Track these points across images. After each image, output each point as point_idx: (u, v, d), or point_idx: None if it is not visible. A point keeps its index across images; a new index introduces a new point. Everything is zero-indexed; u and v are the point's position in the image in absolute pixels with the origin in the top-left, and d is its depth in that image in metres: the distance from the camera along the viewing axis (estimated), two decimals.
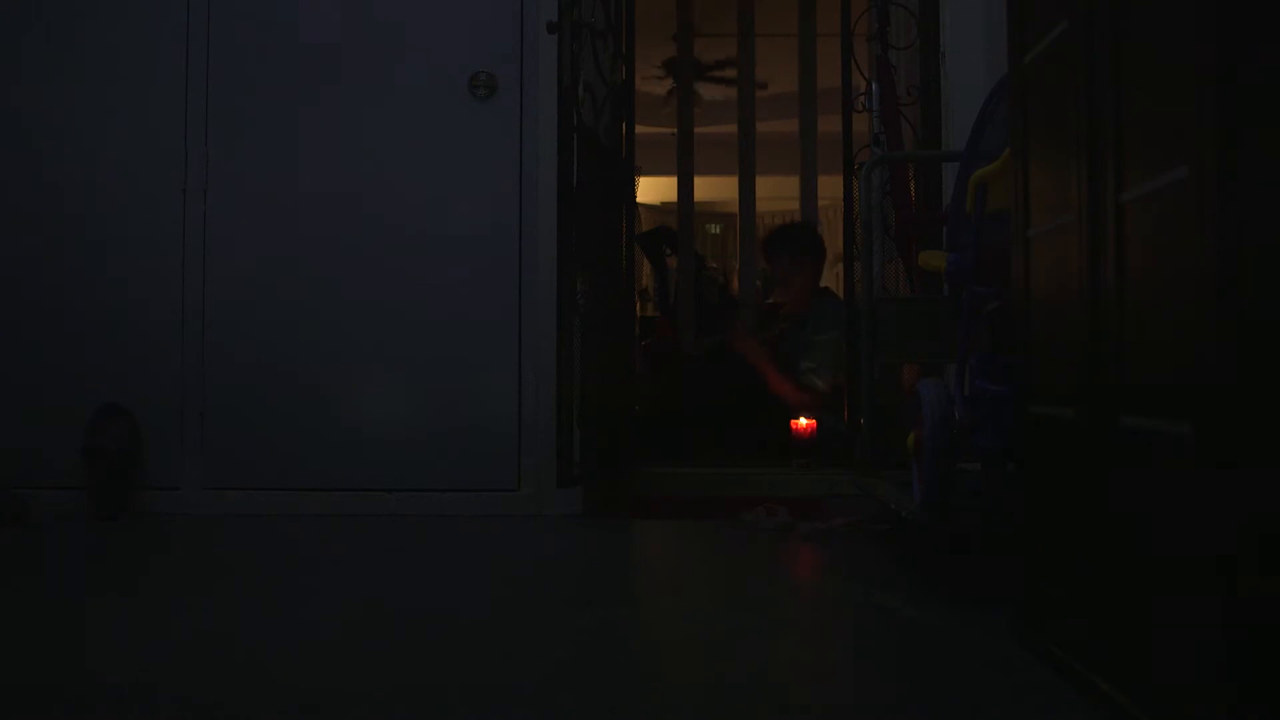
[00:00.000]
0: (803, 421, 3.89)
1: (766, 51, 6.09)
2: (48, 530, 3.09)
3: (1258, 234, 1.11)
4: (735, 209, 5.88)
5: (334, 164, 3.43)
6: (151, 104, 3.45)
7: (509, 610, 2.14)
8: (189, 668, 1.72)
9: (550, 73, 3.36)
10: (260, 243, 3.42)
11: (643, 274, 6.97)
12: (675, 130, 5.75)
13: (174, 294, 3.41)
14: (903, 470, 2.69)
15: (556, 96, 3.34)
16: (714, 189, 8.22)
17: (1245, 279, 1.11)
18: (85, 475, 3.28)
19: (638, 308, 4.89)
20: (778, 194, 7.71)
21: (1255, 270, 1.11)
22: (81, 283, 3.42)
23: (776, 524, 3.03)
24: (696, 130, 5.77)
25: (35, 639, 1.91)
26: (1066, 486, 1.60)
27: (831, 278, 6.78)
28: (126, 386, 3.38)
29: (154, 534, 3.07)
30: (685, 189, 5.60)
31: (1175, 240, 1.22)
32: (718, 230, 10.32)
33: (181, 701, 1.55)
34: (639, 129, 4.38)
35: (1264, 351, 1.10)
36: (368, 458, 3.37)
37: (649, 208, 9.20)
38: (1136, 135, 1.33)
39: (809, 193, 5.53)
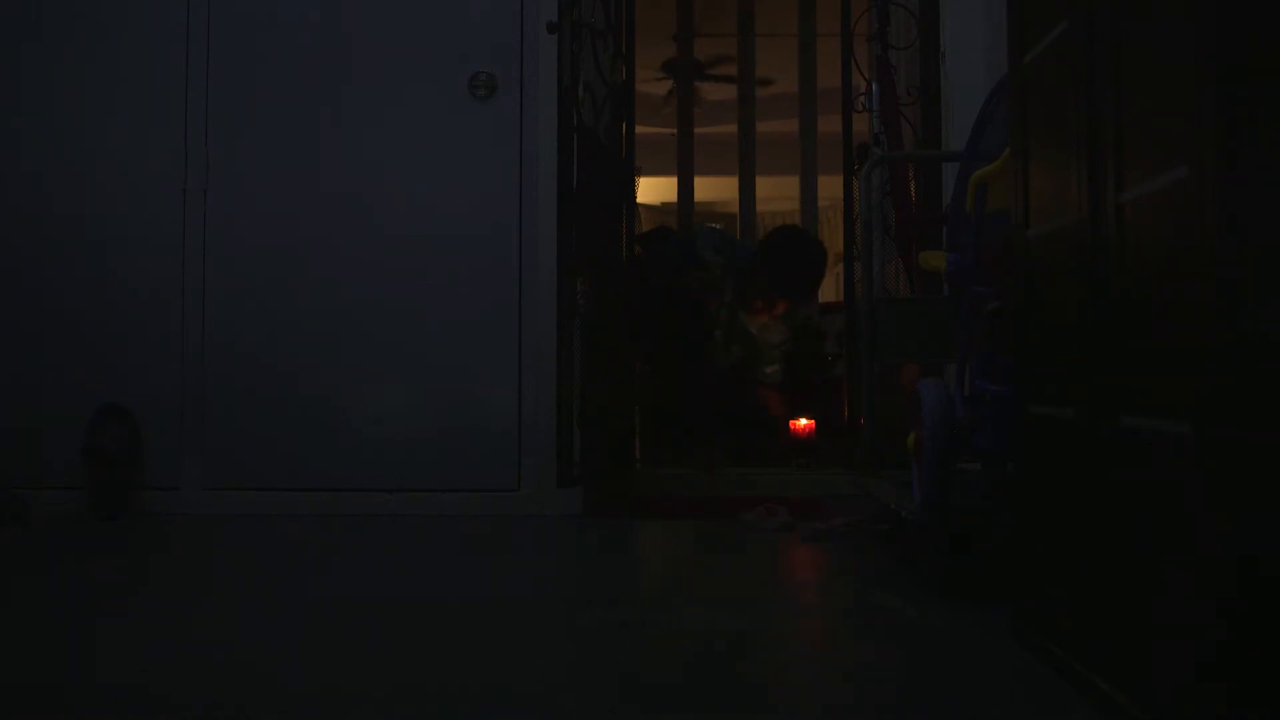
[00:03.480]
0: (802, 422, 3.87)
1: (766, 51, 6.09)
2: (48, 530, 3.09)
3: (1258, 234, 1.11)
4: (735, 209, 5.89)
5: (334, 164, 3.43)
6: (151, 104, 3.45)
7: (509, 610, 2.13)
8: (189, 668, 1.72)
9: (550, 73, 3.36)
10: (260, 242, 3.42)
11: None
12: (675, 130, 5.75)
13: (174, 294, 3.41)
14: (903, 470, 2.69)
15: (556, 96, 3.34)
16: (714, 189, 8.22)
17: (1245, 279, 1.11)
18: (85, 475, 3.28)
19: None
20: (778, 194, 7.72)
21: (1255, 270, 1.11)
22: (81, 283, 3.42)
23: (776, 524, 3.03)
24: (696, 130, 5.78)
25: (35, 639, 1.91)
26: (1066, 486, 1.60)
27: (832, 277, 6.76)
28: (126, 386, 3.38)
29: (154, 534, 3.07)
30: (685, 189, 5.60)
31: (1175, 240, 1.22)
32: None
33: (181, 701, 1.55)
34: (639, 129, 4.37)
35: (1264, 352, 1.10)
36: (368, 458, 3.37)
37: (649, 208, 9.19)
38: (1136, 135, 1.33)
39: (809, 193, 5.53)
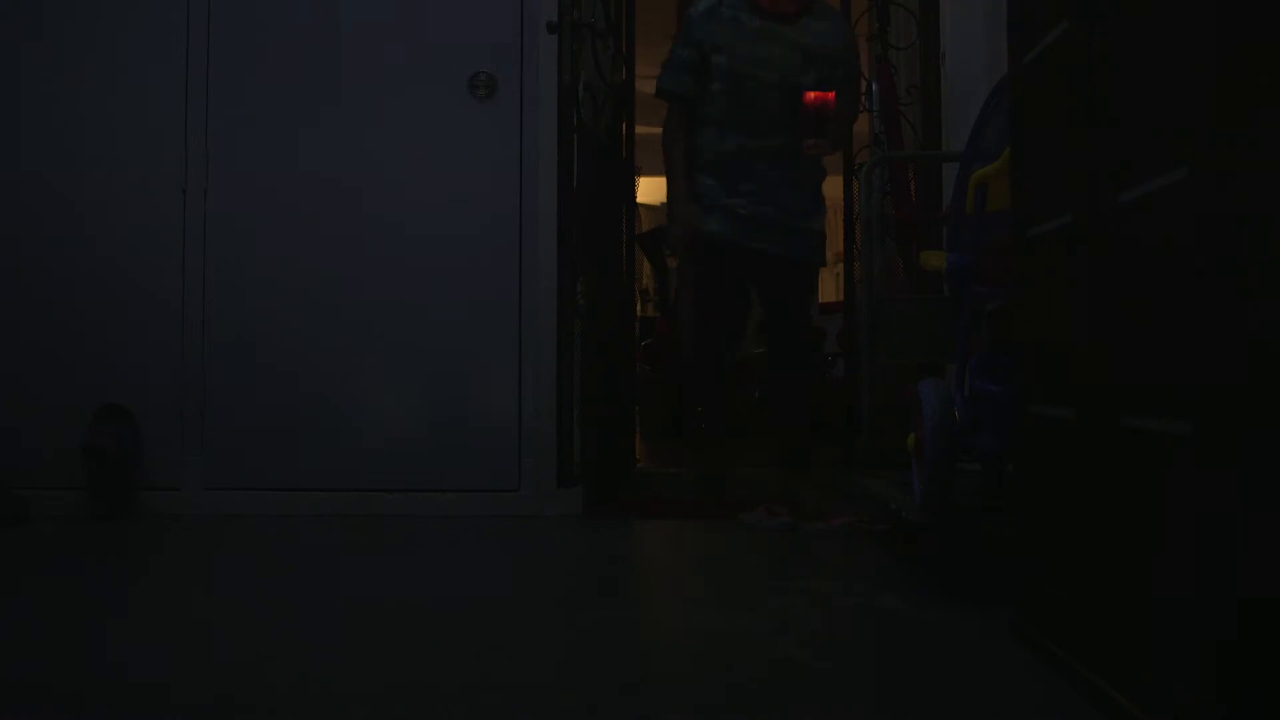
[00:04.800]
0: (811, 94, 3.25)
1: None
2: (48, 530, 3.09)
3: (1258, 234, 1.11)
4: None
5: (334, 164, 3.43)
6: (151, 104, 3.44)
7: (509, 610, 2.14)
8: (187, 668, 1.72)
9: (550, 73, 3.36)
10: (260, 243, 3.42)
11: (643, 274, 6.96)
12: None
13: (174, 294, 3.40)
14: (903, 470, 2.69)
15: (556, 96, 3.34)
16: None
17: (1245, 279, 1.11)
18: (85, 475, 3.28)
19: (638, 308, 4.89)
20: None
21: (1255, 270, 1.11)
22: (82, 283, 3.42)
23: (777, 524, 3.03)
24: None
25: (35, 639, 1.91)
26: (1066, 486, 1.60)
27: (831, 277, 6.78)
28: (126, 386, 3.38)
29: (154, 534, 3.07)
30: None
31: (1175, 240, 1.22)
32: None
33: (179, 701, 1.55)
34: (639, 129, 4.38)
35: (1263, 351, 1.10)
36: (368, 458, 3.37)
37: (649, 208, 9.19)
38: (1136, 135, 1.33)
39: None
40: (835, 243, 5.22)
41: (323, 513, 3.29)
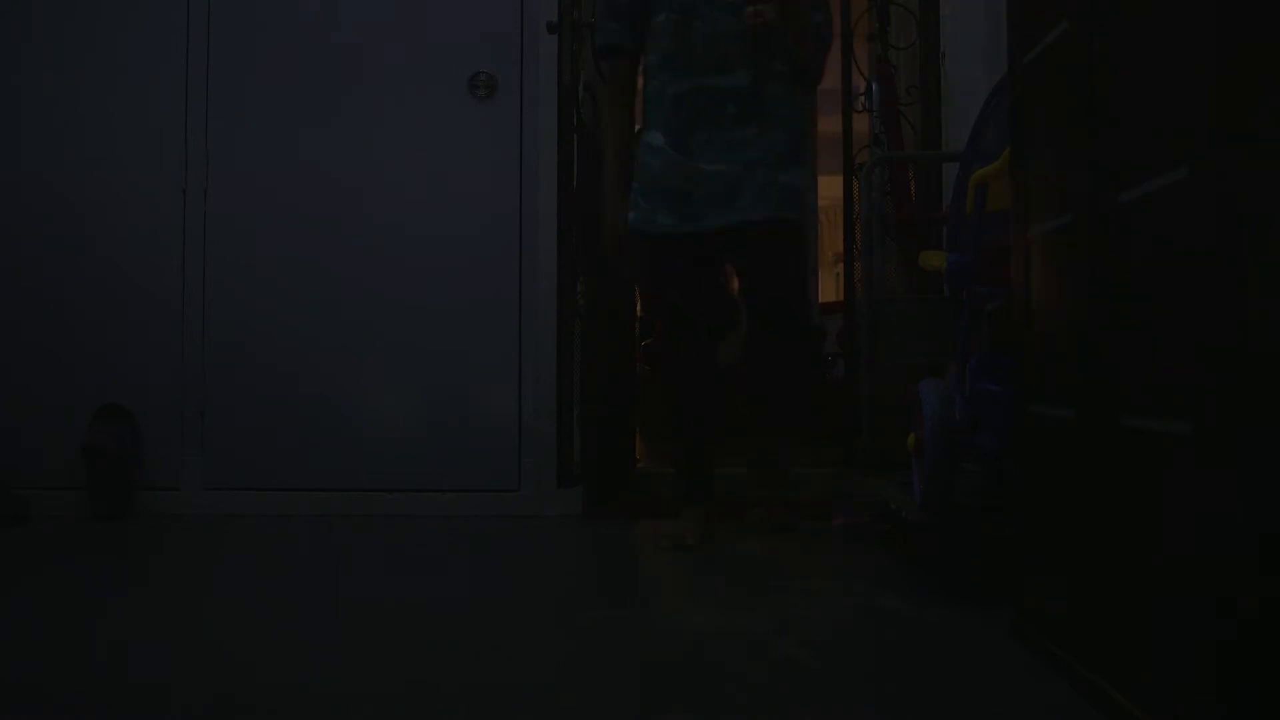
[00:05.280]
0: None
1: None
2: (48, 530, 3.09)
3: (1258, 234, 1.11)
4: None
5: (335, 164, 3.43)
6: (151, 104, 3.45)
7: (509, 610, 2.13)
8: (187, 668, 1.72)
9: (550, 73, 3.36)
10: (260, 243, 3.42)
11: None
12: None
13: (174, 294, 3.41)
14: (903, 470, 2.69)
15: (556, 96, 3.34)
16: None
17: (1245, 278, 1.11)
18: (85, 475, 3.28)
19: (638, 308, 4.88)
20: None
21: (1255, 270, 1.11)
22: (82, 283, 3.42)
23: (776, 525, 3.02)
24: None
25: (35, 639, 1.91)
26: (1066, 486, 1.60)
27: (831, 277, 6.78)
28: (126, 386, 3.39)
29: (154, 534, 3.07)
30: None
31: (1175, 240, 1.22)
32: None
33: (179, 702, 1.55)
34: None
35: (1263, 351, 1.10)
36: (368, 458, 3.37)
37: None
38: (1136, 135, 1.33)
39: None
40: (835, 243, 5.22)
41: (323, 513, 3.29)
